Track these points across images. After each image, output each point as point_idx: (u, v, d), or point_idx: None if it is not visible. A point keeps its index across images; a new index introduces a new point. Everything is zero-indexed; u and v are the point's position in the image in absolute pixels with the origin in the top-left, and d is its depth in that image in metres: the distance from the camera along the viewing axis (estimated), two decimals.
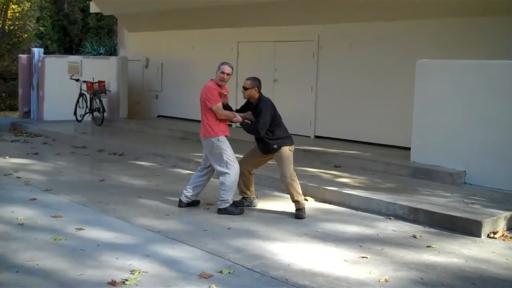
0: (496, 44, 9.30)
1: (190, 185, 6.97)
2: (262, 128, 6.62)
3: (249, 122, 6.70)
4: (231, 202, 6.77)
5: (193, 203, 7.02)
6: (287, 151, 6.75)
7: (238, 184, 6.96)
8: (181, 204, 6.95)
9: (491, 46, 9.33)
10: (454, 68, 8.54)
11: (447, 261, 5.29)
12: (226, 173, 6.68)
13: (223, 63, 6.78)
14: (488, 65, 8.20)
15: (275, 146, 6.71)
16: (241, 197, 7.08)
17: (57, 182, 8.22)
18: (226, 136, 6.77)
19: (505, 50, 9.07)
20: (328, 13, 11.39)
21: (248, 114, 6.73)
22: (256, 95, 6.77)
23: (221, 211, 6.73)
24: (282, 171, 6.74)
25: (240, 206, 6.90)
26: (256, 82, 6.75)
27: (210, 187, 7.30)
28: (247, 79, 6.80)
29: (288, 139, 6.82)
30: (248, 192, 7.07)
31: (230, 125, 7.13)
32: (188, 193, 6.95)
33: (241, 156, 7.11)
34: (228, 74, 6.71)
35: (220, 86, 6.72)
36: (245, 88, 6.75)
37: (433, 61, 8.83)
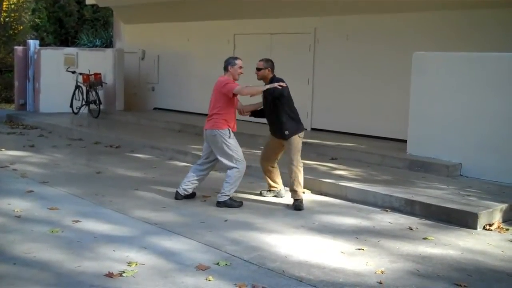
0: (493, 36, 9.30)
1: (189, 178, 6.95)
2: (282, 93, 6.61)
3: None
4: (231, 195, 6.78)
5: (190, 195, 7.03)
6: (297, 139, 6.82)
7: (268, 182, 7.16)
8: (177, 197, 6.95)
9: (488, 39, 9.33)
10: (450, 61, 8.54)
11: (443, 253, 5.32)
12: (235, 167, 6.68)
13: (236, 58, 6.83)
14: (485, 58, 8.20)
15: (287, 133, 6.75)
16: (267, 189, 7.27)
17: (53, 174, 8.22)
18: (233, 131, 6.77)
19: (502, 43, 9.07)
20: (324, 5, 11.37)
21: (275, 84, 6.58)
22: (270, 75, 6.81)
23: (220, 204, 6.72)
24: (290, 157, 6.79)
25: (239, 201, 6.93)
26: (269, 63, 6.81)
27: (208, 179, 7.30)
28: (260, 60, 6.86)
29: (300, 125, 6.89)
30: (276, 185, 7.20)
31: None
32: (186, 186, 6.94)
33: (259, 153, 7.20)
34: (242, 68, 6.84)
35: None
36: (258, 69, 6.77)
37: (430, 54, 8.83)
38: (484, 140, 8.08)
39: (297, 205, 6.72)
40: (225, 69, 6.78)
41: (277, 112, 6.75)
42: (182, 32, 14.89)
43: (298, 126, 6.85)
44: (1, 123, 13.94)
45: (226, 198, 6.72)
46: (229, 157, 6.68)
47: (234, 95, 6.64)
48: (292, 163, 6.76)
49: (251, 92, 6.73)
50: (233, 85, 6.60)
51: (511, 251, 5.45)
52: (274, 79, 6.78)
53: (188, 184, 6.94)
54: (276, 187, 7.23)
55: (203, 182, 7.11)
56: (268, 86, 6.59)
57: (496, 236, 5.93)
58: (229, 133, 6.68)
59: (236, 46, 13.36)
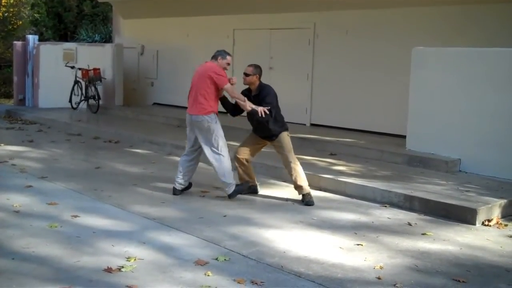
0: (492, 32, 9.29)
1: (181, 172, 6.93)
2: (271, 115, 6.57)
3: (257, 112, 6.51)
4: (234, 182, 6.77)
5: (187, 187, 7.04)
6: (286, 136, 6.78)
7: (240, 174, 7.00)
8: (175, 192, 6.95)
9: (486, 34, 9.32)
10: (450, 56, 8.53)
11: (442, 248, 5.32)
12: (220, 155, 6.67)
13: (228, 54, 6.82)
14: (484, 53, 8.19)
15: (276, 132, 6.72)
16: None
17: (52, 170, 8.21)
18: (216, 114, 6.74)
19: (500, 38, 9.06)
20: (324, 0, 11.35)
21: (261, 108, 6.52)
22: (257, 83, 6.77)
23: (232, 195, 6.73)
24: (285, 157, 6.76)
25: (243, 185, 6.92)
26: (258, 69, 6.75)
27: (206, 174, 7.31)
28: (249, 65, 6.79)
29: (285, 125, 6.87)
30: (250, 180, 7.08)
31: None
32: (181, 180, 6.92)
33: (237, 144, 7.10)
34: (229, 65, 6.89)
35: None
36: (246, 75, 6.72)
37: (429, 49, 8.82)
38: (483, 136, 8.08)
39: (308, 201, 6.70)
40: (214, 57, 6.78)
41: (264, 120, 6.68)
42: (182, 27, 14.87)
43: (283, 125, 6.83)
44: (0, 118, 13.93)
45: (233, 187, 6.73)
46: (214, 144, 6.66)
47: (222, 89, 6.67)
48: (289, 162, 6.74)
49: (237, 99, 6.69)
50: (225, 81, 6.62)
51: (510, 247, 5.45)
52: (263, 87, 6.75)
53: (181, 177, 6.92)
54: (251, 182, 7.09)
55: (201, 176, 7.10)
56: (253, 107, 6.53)
57: (495, 232, 5.93)
58: (216, 118, 6.69)
59: (235, 41, 13.34)
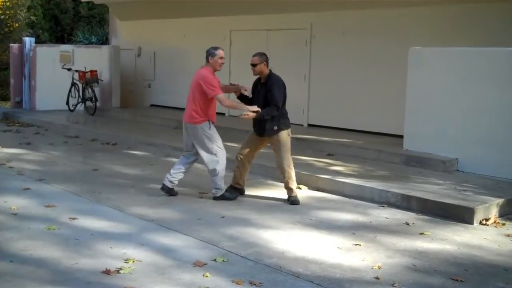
0: (490, 31, 9.30)
1: (176, 170, 6.92)
2: (277, 108, 6.57)
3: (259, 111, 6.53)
4: (225, 187, 6.79)
5: (173, 192, 6.97)
6: (285, 136, 6.76)
7: (235, 177, 6.99)
8: (164, 188, 6.91)
9: (484, 33, 9.32)
10: (447, 56, 8.55)
11: (439, 248, 5.33)
12: (216, 160, 6.69)
13: (217, 48, 6.74)
14: (481, 53, 8.20)
15: (275, 128, 6.68)
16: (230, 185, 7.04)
17: (50, 172, 8.21)
18: (213, 123, 6.75)
19: (499, 37, 9.07)
20: (321, 1, 11.35)
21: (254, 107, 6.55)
22: (266, 70, 6.72)
23: (217, 198, 6.76)
24: (280, 158, 6.76)
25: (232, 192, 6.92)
26: (263, 57, 6.70)
27: (204, 176, 7.30)
28: (254, 55, 6.73)
29: (286, 121, 6.82)
30: (241, 183, 7.06)
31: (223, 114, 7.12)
32: (173, 178, 6.90)
33: (235, 146, 7.10)
34: (224, 58, 6.78)
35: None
36: (253, 65, 6.67)
37: (426, 49, 8.83)
38: (480, 135, 8.09)
39: (293, 200, 6.76)
40: (206, 60, 6.75)
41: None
42: (178, 28, 14.86)
43: (286, 122, 6.81)
44: None
45: (222, 191, 6.78)
46: (209, 149, 6.69)
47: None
48: (283, 163, 6.74)
49: (232, 106, 6.68)
50: (215, 91, 6.55)
51: (508, 246, 5.47)
52: (271, 77, 6.72)
53: (175, 176, 6.91)
54: (241, 185, 7.06)
55: (199, 178, 7.11)
56: (253, 115, 6.50)
57: (493, 231, 5.94)
58: (209, 124, 6.70)
59: (232, 42, 13.34)
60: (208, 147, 6.69)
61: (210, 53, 6.71)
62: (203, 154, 6.74)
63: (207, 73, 6.65)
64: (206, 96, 6.62)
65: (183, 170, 6.95)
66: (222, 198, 6.76)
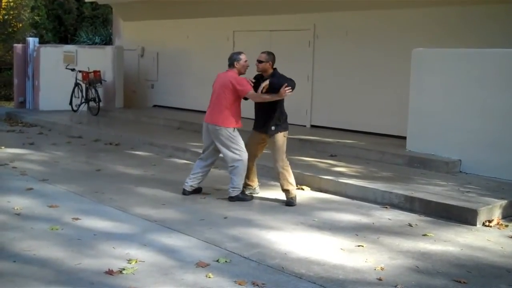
0: (491, 33, 9.28)
1: (195, 174, 7.01)
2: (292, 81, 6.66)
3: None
4: (241, 189, 6.84)
5: (197, 191, 7.08)
6: (281, 138, 6.79)
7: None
8: (184, 192, 7.01)
9: (486, 35, 9.31)
10: (450, 57, 8.54)
11: (442, 249, 5.32)
12: (238, 159, 6.72)
13: (240, 53, 6.86)
14: (484, 54, 8.19)
15: (273, 128, 6.73)
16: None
17: (53, 172, 8.22)
18: (239, 127, 6.82)
19: (500, 39, 9.06)
20: (324, 1, 11.35)
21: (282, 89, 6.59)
22: (270, 70, 6.79)
23: (233, 199, 6.79)
24: (275, 158, 6.80)
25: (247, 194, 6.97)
26: (271, 56, 6.78)
27: (207, 177, 7.29)
28: (263, 52, 6.84)
29: (285, 124, 6.87)
30: (252, 183, 7.13)
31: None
32: (193, 182, 7.00)
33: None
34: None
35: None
36: (259, 62, 6.76)
37: (429, 50, 8.82)
38: (483, 137, 8.08)
39: (289, 201, 6.76)
40: (231, 65, 6.83)
41: (271, 105, 6.73)
42: (182, 29, 14.88)
43: (284, 125, 6.84)
44: (0, 121, 13.94)
45: (238, 192, 6.80)
46: (233, 150, 6.73)
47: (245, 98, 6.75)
48: (278, 164, 6.76)
49: (264, 100, 6.72)
50: (248, 88, 6.67)
51: (511, 247, 5.46)
52: (275, 74, 6.77)
53: (194, 180, 7.00)
54: (251, 185, 7.14)
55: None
56: (283, 95, 6.59)
57: (496, 233, 5.94)
58: (234, 127, 6.76)
59: (235, 43, 13.34)
60: (231, 148, 6.73)
61: (235, 59, 6.81)
62: (225, 152, 6.77)
63: (235, 75, 6.77)
64: (235, 97, 6.69)
65: (202, 174, 7.02)
66: (237, 199, 6.78)
